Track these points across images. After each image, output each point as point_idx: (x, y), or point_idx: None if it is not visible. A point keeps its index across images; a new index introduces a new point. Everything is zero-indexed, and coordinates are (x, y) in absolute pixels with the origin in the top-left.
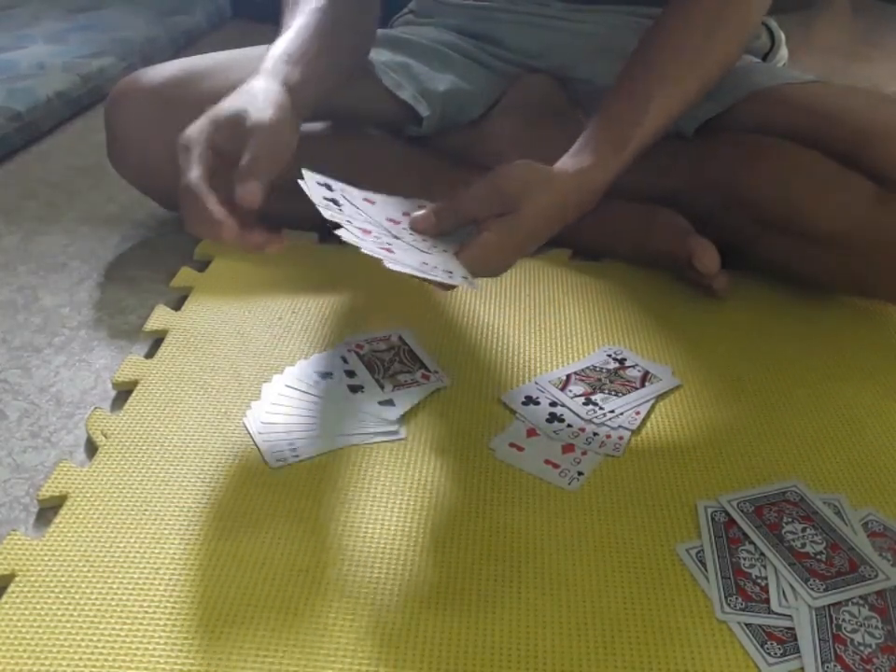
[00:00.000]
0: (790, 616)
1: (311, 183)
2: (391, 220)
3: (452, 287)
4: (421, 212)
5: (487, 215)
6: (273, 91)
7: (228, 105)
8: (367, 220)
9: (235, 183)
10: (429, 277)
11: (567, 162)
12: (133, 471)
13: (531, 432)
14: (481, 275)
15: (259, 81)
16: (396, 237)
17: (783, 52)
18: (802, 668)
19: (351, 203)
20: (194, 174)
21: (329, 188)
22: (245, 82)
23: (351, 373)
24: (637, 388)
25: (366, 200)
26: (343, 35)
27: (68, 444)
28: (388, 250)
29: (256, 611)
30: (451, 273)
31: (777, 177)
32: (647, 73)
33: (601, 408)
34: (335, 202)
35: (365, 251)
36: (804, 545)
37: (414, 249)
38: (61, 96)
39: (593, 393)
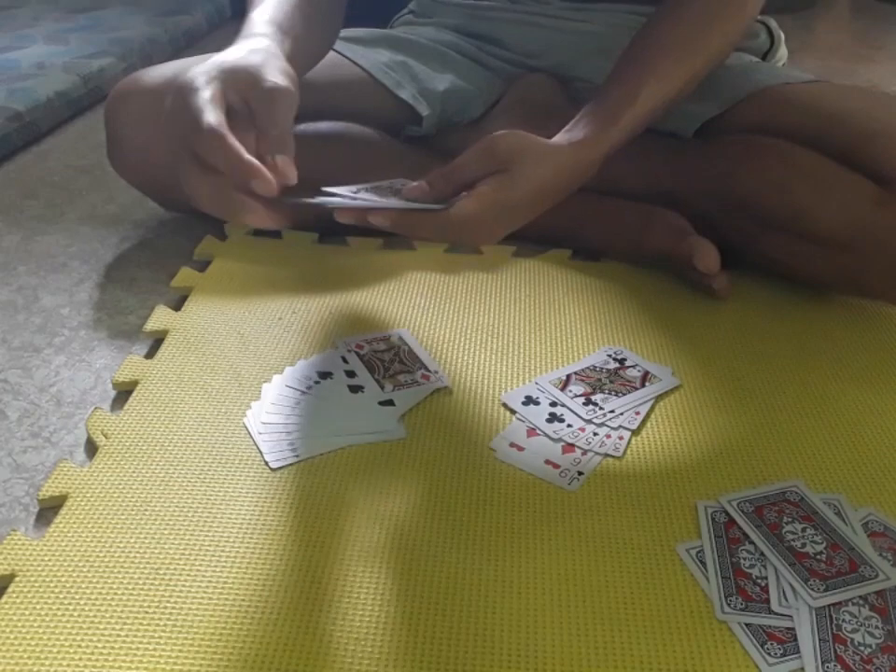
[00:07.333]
0: (790, 616)
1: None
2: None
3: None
4: (414, 183)
5: (481, 176)
6: (280, 56)
7: (238, 58)
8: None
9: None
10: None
11: (561, 137)
12: (133, 471)
13: (531, 432)
14: (471, 239)
15: (263, 41)
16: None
17: (783, 52)
18: (802, 668)
19: (343, 196)
20: (213, 117)
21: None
22: (244, 38)
23: (351, 373)
24: (636, 388)
25: (356, 193)
26: (318, 11)
27: (68, 444)
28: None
29: (255, 611)
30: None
31: (777, 178)
32: (640, 58)
33: (601, 408)
34: (329, 194)
35: (349, 205)
36: (804, 545)
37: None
38: (61, 96)
39: (593, 393)
